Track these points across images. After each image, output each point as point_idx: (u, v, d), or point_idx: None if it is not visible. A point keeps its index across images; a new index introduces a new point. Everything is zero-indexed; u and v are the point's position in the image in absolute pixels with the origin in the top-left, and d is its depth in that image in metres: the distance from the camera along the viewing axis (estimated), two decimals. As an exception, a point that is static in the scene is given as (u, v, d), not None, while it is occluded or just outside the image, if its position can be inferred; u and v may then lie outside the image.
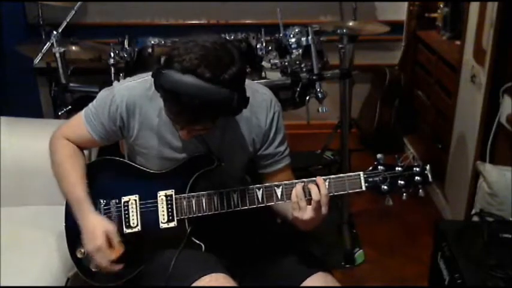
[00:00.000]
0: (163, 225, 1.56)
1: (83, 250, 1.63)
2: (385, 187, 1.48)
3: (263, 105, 1.60)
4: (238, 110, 1.38)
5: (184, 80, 1.29)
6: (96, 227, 1.53)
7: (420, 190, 1.48)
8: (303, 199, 1.45)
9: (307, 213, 1.44)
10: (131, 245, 1.59)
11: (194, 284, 1.44)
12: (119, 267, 1.55)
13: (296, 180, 1.50)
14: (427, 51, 3.36)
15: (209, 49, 1.32)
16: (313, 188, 1.44)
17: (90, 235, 1.54)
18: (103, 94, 1.60)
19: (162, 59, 1.37)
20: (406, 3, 3.69)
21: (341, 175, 1.48)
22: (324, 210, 1.44)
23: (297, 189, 1.46)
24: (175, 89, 1.30)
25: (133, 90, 1.55)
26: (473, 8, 2.54)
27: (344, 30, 2.70)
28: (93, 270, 1.62)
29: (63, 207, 1.69)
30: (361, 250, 2.73)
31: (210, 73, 1.29)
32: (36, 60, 2.42)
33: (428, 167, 1.49)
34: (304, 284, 1.51)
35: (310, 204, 1.44)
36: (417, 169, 1.49)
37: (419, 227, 2.92)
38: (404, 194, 1.49)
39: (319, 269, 1.55)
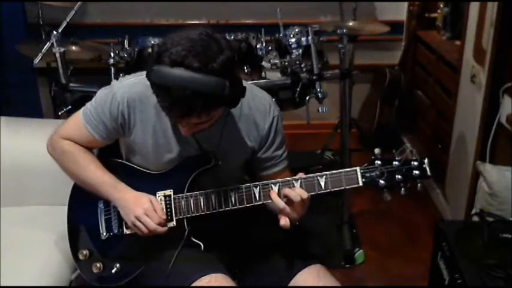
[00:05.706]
0: (162, 225, 1.56)
1: (84, 252, 1.63)
2: (383, 182, 1.45)
3: (262, 110, 1.60)
4: (234, 99, 1.37)
5: (173, 73, 1.29)
6: (140, 196, 1.54)
7: (418, 184, 1.45)
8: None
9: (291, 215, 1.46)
10: (131, 245, 1.59)
11: (194, 284, 1.44)
12: (165, 229, 1.54)
13: (293, 177, 1.51)
14: (427, 51, 3.36)
15: (196, 40, 1.32)
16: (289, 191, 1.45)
17: (135, 203, 1.53)
18: (102, 93, 1.59)
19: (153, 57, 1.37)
20: (406, 3, 3.69)
21: (337, 171, 1.47)
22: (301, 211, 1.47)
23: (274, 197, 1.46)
24: (165, 83, 1.31)
25: (134, 87, 1.55)
26: (473, 8, 2.54)
27: (344, 30, 2.69)
28: (94, 271, 1.62)
29: (63, 207, 1.69)
30: (361, 250, 2.73)
31: (198, 63, 1.29)
32: (36, 60, 2.42)
33: (426, 160, 1.45)
34: (298, 276, 1.52)
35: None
36: (415, 163, 1.45)
37: (419, 227, 2.91)
38: (402, 189, 1.46)
39: (312, 262, 1.55)
